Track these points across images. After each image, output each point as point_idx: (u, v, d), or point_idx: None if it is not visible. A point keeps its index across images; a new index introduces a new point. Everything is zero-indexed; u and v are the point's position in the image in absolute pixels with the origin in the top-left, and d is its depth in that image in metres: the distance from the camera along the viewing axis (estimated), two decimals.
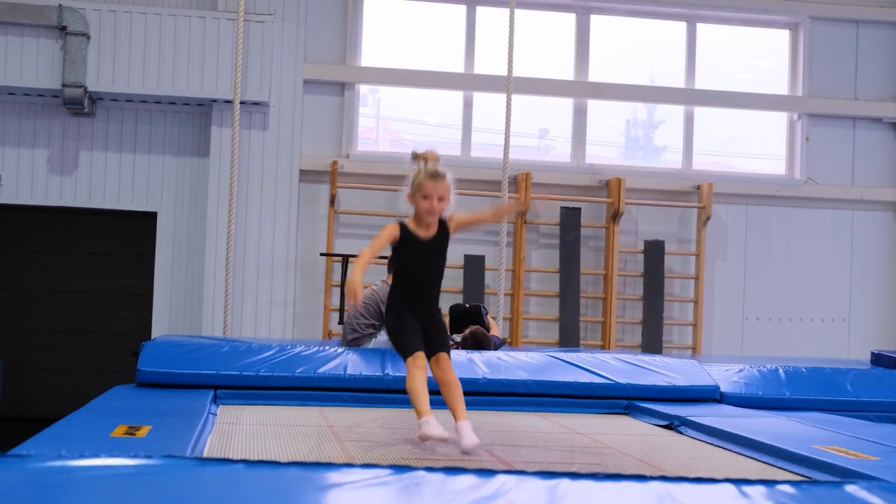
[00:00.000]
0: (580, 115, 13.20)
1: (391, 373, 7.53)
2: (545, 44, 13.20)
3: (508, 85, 11.00)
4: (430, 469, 3.47)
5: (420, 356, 5.47)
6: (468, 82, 12.96)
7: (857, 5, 13.45)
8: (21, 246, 12.57)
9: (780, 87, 13.64)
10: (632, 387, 7.75)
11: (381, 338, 8.41)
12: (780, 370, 8.24)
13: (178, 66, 11.78)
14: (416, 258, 5.58)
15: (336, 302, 12.08)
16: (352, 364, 7.62)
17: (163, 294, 12.22)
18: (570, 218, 12.73)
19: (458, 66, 12.96)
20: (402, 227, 5.61)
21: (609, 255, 12.78)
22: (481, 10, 13.00)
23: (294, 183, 12.24)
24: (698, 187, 13.00)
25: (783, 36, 13.68)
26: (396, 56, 12.91)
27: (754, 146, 13.85)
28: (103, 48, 11.68)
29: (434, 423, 5.31)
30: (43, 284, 12.55)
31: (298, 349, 7.78)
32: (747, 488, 3.43)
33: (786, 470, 5.06)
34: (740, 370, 8.24)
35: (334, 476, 3.41)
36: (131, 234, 12.56)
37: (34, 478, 3.29)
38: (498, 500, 3.23)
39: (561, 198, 12.76)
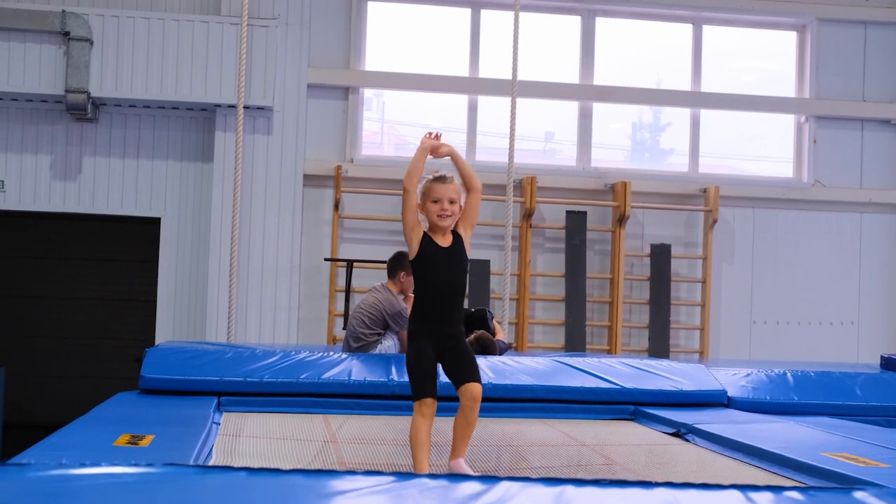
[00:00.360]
0: (585, 119, 13.15)
1: (396, 378, 7.49)
2: (550, 47, 13.16)
3: (513, 88, 10.95)
4: (433, 476, 3.43)
5: (428, 404, 5.23)
6: (473, 86, 12.92)
7: (864, 6, 13.40)
8: (24, 252, 12.55)
9: (788, 89, 13.58)
10: (638, 392, 7.70)
11: (386, 343, 8.37)
12: (789, 374, 8.18)
13: (181, 71, 11.76)
14: (434, 266, 5.40)
15: (340, 307, 12.04)
16: (356, 370, 7.59)
17: (166, 300, 12.19)
18: (576, 222, 12.68)
19: (462, 70, 12.92)
20: (425, 233, 5.46)
21: (615, 259, 12.72)
22: (485, 14, 12.96)
23: (298, 188, 12.20)
24: (705, 190, 12.94)
25: (790, 38, 13.63)
26: (400, 60, 12.87)
27: (761, 149, 13.79)
28: (106, 53, 11.66)
29: None
30: (46, 291, 12.53)
31: (303, 355, 7.76)
32: (754, 495, 3.39)
33: (794, 479, 5.00)
34: (748, 374, 8.19)
35: (337, 483, 3.37)
36: (135, 239, 12.53)
37: (35, 487, 3.26)
38: None
39: (567, 201, 12.71)
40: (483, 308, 9.62)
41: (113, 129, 12.19)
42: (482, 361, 7.69)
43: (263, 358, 7.67)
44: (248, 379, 7.43)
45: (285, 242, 12.11)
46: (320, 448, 5.64)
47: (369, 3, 12.81)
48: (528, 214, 12.44)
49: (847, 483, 4.54)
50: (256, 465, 4.84)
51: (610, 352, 12.51)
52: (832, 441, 5.86)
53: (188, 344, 9.36)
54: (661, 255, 12.84)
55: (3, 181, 12.02)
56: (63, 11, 11.52)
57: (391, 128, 13.54)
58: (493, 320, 9.34)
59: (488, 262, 12.40)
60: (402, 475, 3.41)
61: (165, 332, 12.07)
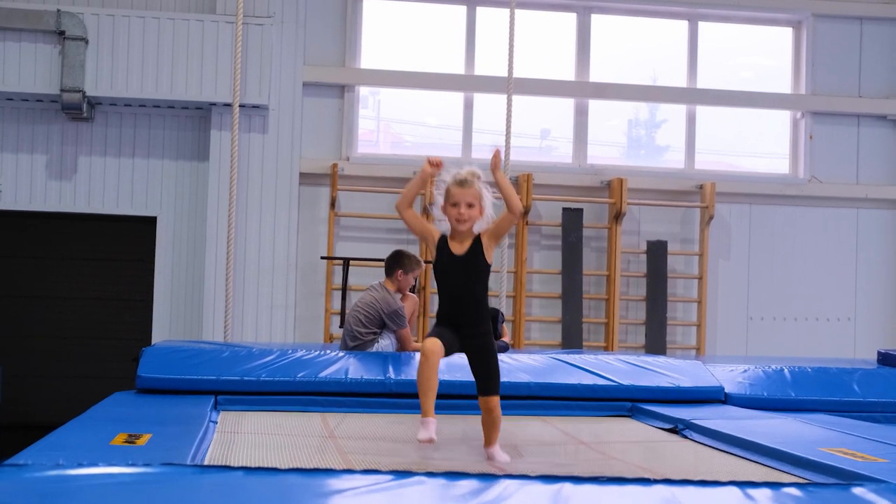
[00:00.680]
0: (581, 116, 13.14)
1: (393, 377, 7.50)
2: (546, 44, 13.14)
3: (509, 86, 10.95)
4: (431, 474, 3.43)
5: (430, 344, 5.28)
6: (469, 83, 12.91)
7: (860, 2, 13.39)
8: (20, 252, 12.53)
9: (784, 85, 13.57)
10: (635, 388, 7.71)
11: (383, 342, 8.37)
12: (786, 370, 8.19)
13: (176, 69, 11.74)
14: (446, 273, 5.47)
15: (337, 305, 12.04)
16: (353, 368, 7.59)
17: (163, 299, 12.17)
18: (572, 219, 12.67)
19: (458, 68, 12.91)
20: (442, 236, 5.52)
21: (612, 256, 12.72)
22: (481, 11, 12.94)
23: (294, 186, 12.19)
24: (701, 187, 12.94)
25: (786, 34, 13.62)
26: (396, 58, 12.86)
27: (757, 145, 13.78)
28: (102, 53, 11.63)
29: (427, 431, 5.27)
30: (42, 290, 12.51)
31: (300, 353, 7.75)
32: (752, 491, 3.38)
33: (792, 474, 5.00)
34: (745, 371, 8.19)
35: (334, 482, 3.37)
36: (131, 238, 12.51)
37: (32, 487, 3.26)
38: None
39: (563, 199, 12.71)
40: (497, 309, 9.63)
41: (109, 128, 12.17)
42: None
43: (260, 357, 7.66)
44: (245, 378, 7.42)
45: (281, 241, 12.10)
46: (319, 446, 5.63)
47: (365, 1, 12.80)
48: (524, 212, 12.43)
49: (845, 478, 4.53)
50: (254, 464, 4.85)
51: (607, 348, 12.50)
52: (830, 437, 5.85)
53: (185, 343, 9.35)
54: (657, 252, 12.84)
55: None
56: (58, 11, 11.50)
57: (387, 126, 13.53)
58: (503, 324, 9.35)
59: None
60: (401, 473, 3.41)
61: (162, 331, 12.05)
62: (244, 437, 5.92)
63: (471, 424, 6.33)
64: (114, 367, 11.77)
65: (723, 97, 13.31)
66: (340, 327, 11.55)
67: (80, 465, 3.42)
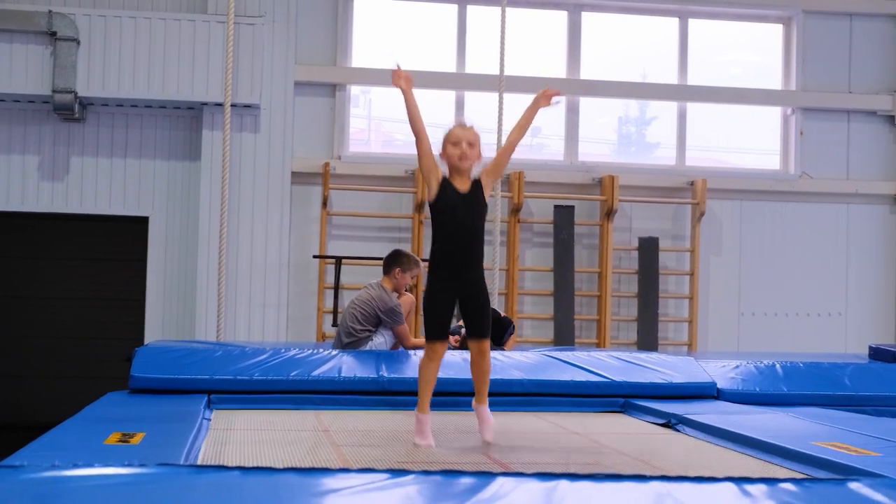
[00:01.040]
0: (572, 113, 13.15)
1: (386, 374, 7.50)
2: (537, 42, 13.15)
3: (500, 84, 10.95)
4: (427, 472, 3.44)
5: (437, 347, 5.63)
6: (460, 82, 12.92)
7: None
8: (12, 253, 12.50)
9: (774, 81, 13.60)
10: (628, 385, 7.72)
11: (378, 340, 8.38)
12: (778, 366, 8.21)
13: (168, 69, 11.73)
14: (455, 210, 5.62)
15: (329, 304, 12.04)
16: (346, 366, 7.59)
17: (156, 299, 12.16)
18: (564, 216, 12.69)
19: (449, 66, 12.92)
20: (444, 177, 5.69)
21: (603, 253, 12.74)
22: (472, 9, 12.95)
23: (286, 185, 12.18)
24: (692, 183, 12.96)
25: (776, 30, 13.65)
26: (387, 56, 12.84)
27: (748, 141, 13.80)
28: (93, 53, 11.62)
29: (425, 430, 5.57)
30: (35, 291, 12.49)
31: (293, 352, 7.76)
32: (749, 487, 3.40)
33: (785, 468, 5.02)
34: (737, 366, 8.21)
35: (331, 482, 3.38)
36: (123, 239, 12.49)
37: (28, 489, 3.26)
38: (497, 502, 3.20)
39: (554, 196, 12.72)
40: (510, 319, 9.62)
41: (100, 128, 12.16)
42: None
43: (253, 356, 7.66)
44: (239, 377, 7.42)
45: (273, 240, 12.09)
46: (313, 444, 5.64)
47: (355, 0, 12.79)
48: (515, 209, 12.45)
49: (838, 471, 4.55)
50: (248, 463, 4.86)
51: (599, 345, 12.52)
52: (822, 431, 5.88)
53: (178, 343, 9.35)
54: (649, 249, 12.86)
55: None
56: (49, 11, 11.48)
57: (378, 124, 13.53)
58: (511, 336, 9.35)
59: None
60: (396, 472, 3.41)
61: (154, 331, 12.04)
62: (238, 436, 5.92)
63: (463, 419, 6.35)
64: (106, 367, 11.73)
65: (713, 94, 13.33)
66: (333, 326, 11.56)
67: (76, 466, 3.42)
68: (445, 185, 5.66)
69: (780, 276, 13.26)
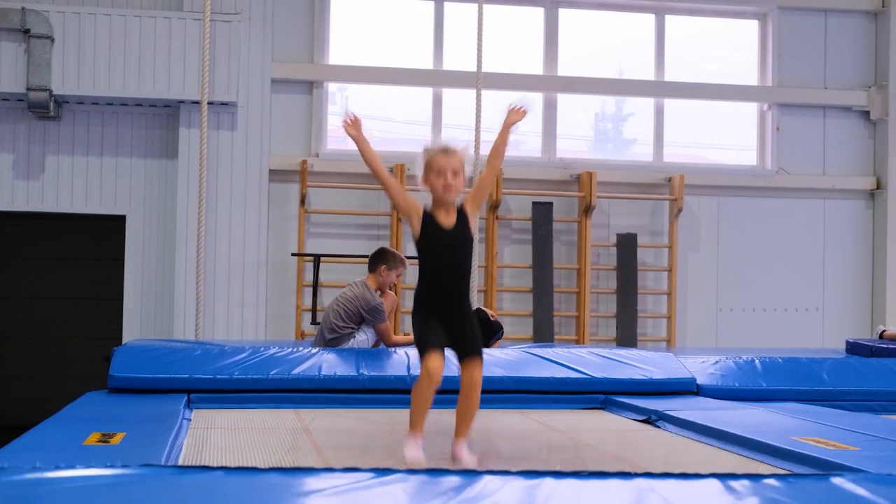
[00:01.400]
0: (550, 110, 13.16)
1: (366, 373, 7.50)
2: (514, 39, 13.15)
3: (478, 81, 10.95)
4: (412, 471, 3.43)
5: (433, 358, 5.04)
6: (437, 78, 12.91)
7: None
8: None
9: (750, 77, 13.64)
10: (608, 381, 7.74)
11: (360, 337, 8.38)
12: (757, 361, 8.24)
13: (144, 67, 11.67)
14: (439, 249, 5.18)
15: (308, 302, 12.01)
16: (326, 365, 7.59)
17: (133, 298, 12.10)
18: (542, 213, 12.70)
19: (426, 63, 12.90)
20: (426, 211, 5.22)
21: (582, 250, 12.76)
22: (449, 6, 12.93)
23: (264, 183, 12.14)
24: (669, 179, 13.00)
25: (752, 26, 13.69)
26: (364, 53, 12.83)
27: (725, 137, 13.84)
28: (68, 51, 11.55)
29: (416, 449, 5.04)
30: (11, 290, 12.40)
31: (272, 351, 7.74)
32: (733, 483, 3.40)
33: (766, 463, 5.04)
34: (716, 362, 8.24)
35: (314, 481, 3.36)
36: (100, 237, 12.42)
37: (9, 491, 3.23)
38: (483, 501, 3.20)
39: (532, 193, 12.73)
40: (500, 324, 9.56)
41: (76, 126, 12.08)
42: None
43: (233, 354, 7.64)
44: (218, 376, 7.40)
45: (252, 238, 12.05)
46: (293, 442, 5.63)
47: None
48: (494, 206, 12.45)
49: (818, 465, 4.58)
50: (229, 462, 4.84)
51: (578, 342, 12.54)
52: (802, 426, 5.91)
53: (156, 342, 9.31)
54: (627, 245, 12.89)
55: None
56: (23, 9, 11.40)
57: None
58: (496, 343, 9.29)
59: None
60: (381, 471, 3.40)
61: (132, 330, 11.98)
62: (218, 435, 5.91)
63: (443, 417, 6.33)
64: (84, 367, 11.68)
65: (690, 90, 13.38)
66: (312, 324, 11.55)
67: (58, 468, 3.40)
68: (428, 220, 5.19)
69: (757, 272, 13.32)
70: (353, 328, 8.38)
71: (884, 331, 10.36)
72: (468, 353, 5.19)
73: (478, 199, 5.35)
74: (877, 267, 13.47)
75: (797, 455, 4.90)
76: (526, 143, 13.42)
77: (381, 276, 8.51)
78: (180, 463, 4.80)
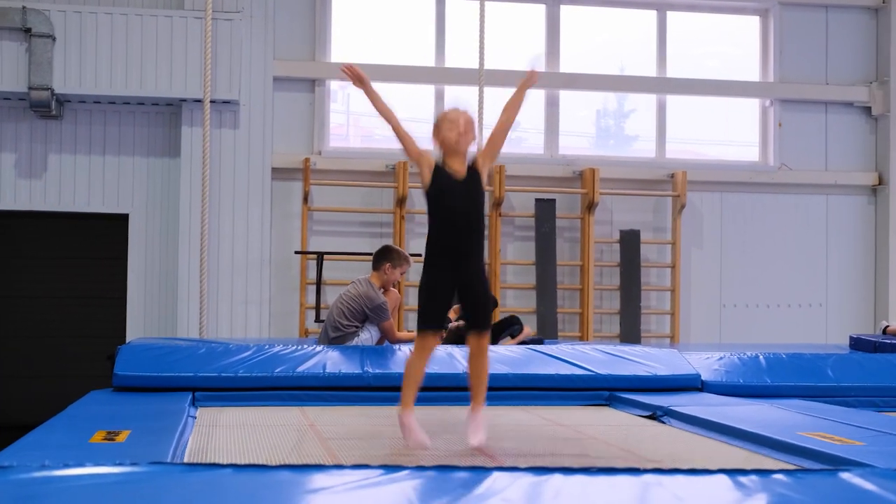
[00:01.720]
0: (552, 107, 13.16)
1: (371, 370, 7.50)
2: (516, 35, 13.14)
3: (480, 78, 10.95)
4: (421, 468, 3.43)
5: (428, 337, 5.27)
6: (439, 76, 12.90)
7: None
8: None
9: (752, 73, 13.64)
10: (613, 377, 7.74)
11: (364, 335, 8.38)
12: (761, 357, 8.24)
13: (146, 66, 11.66)
14: (451, 198, 5.29)
15: (311, 300, 12.01)
16: (331, 362, 7.59)
17: (137, 296, 12.09)
18: (545, 209, 12.69)
19: (428, 60, 12.90)
20: (437, 164, 5.36)
21: (585, 246, 12.75)
22: (451, 3, 12.92)
23: (266, 181, 12.14)
24: (672, 176, 12.99)
25: (753, 22, 13.68)
26: (366, 51, 12.82)
27: (727, 133, 13.84)
28: (69, 50, 11.54)
29: (412, 427, 5.19)
30: (15, 290, 12.42)
31: (276, 349, 7.74)
32: (742, 478, 3.40)
33: (772, 458, 5.05)
34: (721, 358, 8.24)
35: (324, 479, 3.36)
36: (103, 236, 12.43)
37: (18, 489, 3.22)
38: (492, 497, 3.19)
39: (535, 189, 12.72)
40: (511, 320, 9.54)
41: (78, 125, 12.07)
42: (457, 352, 7.68)
43: (237, 352, 7.64)
44: (223, 374, 7.41)
45: (255, 236, 12.05)
46: (299, 439, 5.63)
47: None
48: (496, 203, 12.44)
49: (825, 460, 4.58)
50: (235, 459, 4.83)
51: (581, 338, 12.53)
52: (807, 421, 5.91)
53: (161, 340, 9.31)
54: (630, 241, 12.88)
55: None
56: (24, 8, 11.39)
57: (357, 119, 13.50)
58: (504, 340, 9.31)
59: None
60: (391, 468, 3.40)
61: (136, 329, 11.97)
62: (224, 432, 5.91)
63: (448, 414, 6.34)
64: (88, 366, 11.69)
65: (692, 86, 13.37)
66: (316, 321, 11.55)
67: (67, 466, 3.39)
68: (439, 171, 5.33)
69: (760, 268, 13.31)
70: (357, 326, 8.38)
71: (887, 326, 10.37)
72: (478, 326, 5.35)
73: (490, 152, 5.47)
74: (879, 262, 13.47)
75: (803, 450, 4.90)
76: (528, 139, 13.42)
77: (386, 274, 8.50)
78: (186, 461, 4.80)
